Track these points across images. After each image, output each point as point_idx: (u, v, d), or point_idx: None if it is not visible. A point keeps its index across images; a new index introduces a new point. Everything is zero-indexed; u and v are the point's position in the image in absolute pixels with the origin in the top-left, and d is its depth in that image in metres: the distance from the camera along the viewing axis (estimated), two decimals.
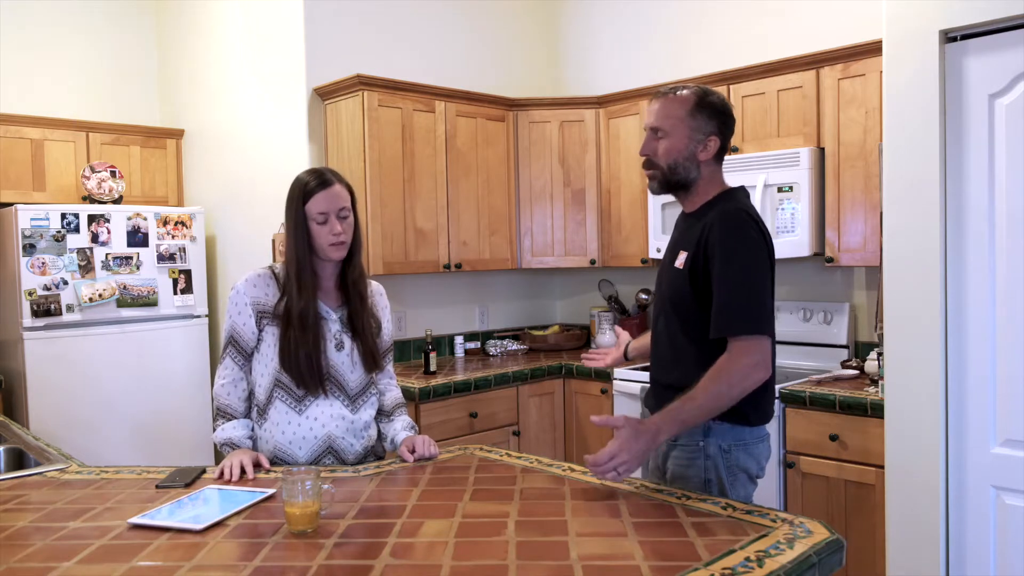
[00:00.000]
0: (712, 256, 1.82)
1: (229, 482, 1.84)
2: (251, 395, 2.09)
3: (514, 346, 4.19)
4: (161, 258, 4.02)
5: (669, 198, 2.16)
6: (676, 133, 1.91)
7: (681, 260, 1.91)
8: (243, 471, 1.88)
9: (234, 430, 2.04)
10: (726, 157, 2.01)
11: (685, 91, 1.93)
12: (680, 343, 1.93)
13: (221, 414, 2.07)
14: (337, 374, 2.04)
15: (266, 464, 1.95)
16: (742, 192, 1.98)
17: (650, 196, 3.66)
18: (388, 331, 2.19)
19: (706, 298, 1.85)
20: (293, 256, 1.98)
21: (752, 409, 1.89)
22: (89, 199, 4.01)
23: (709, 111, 1.91)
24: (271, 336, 2.02)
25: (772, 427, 2.93)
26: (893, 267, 2.41)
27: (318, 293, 2.02)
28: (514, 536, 1.45)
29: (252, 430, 2.07)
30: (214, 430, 2.08)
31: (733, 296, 1.79)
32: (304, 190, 1.97)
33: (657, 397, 2.00)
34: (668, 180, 1.95)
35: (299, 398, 2.02)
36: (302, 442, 2.02)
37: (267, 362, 2.03)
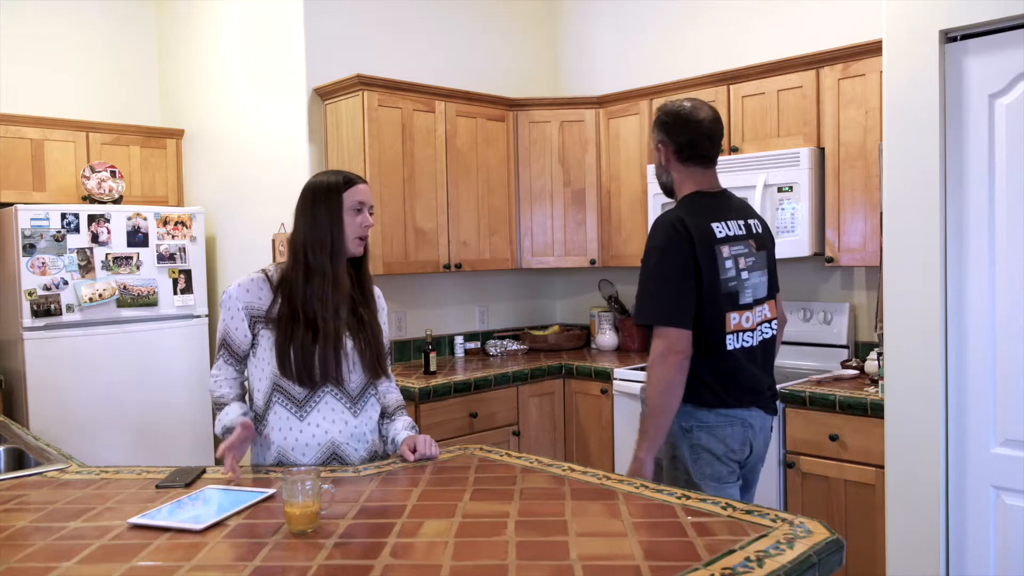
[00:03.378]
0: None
1: (230, 482, 1.84)
2: (244, 389, 2.09)
3: (514, 346, 4.19)
4: (161, 258, 4.02)
5: (668, 199, 2.40)
6: (653, 149, 2.34)
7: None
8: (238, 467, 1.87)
9: (227, 416, 2.02)
10: (724, 157, 2.12)
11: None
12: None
13: (217, 407, 2.07)
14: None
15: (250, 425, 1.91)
16: (694, 197, 2.23)
17: (650, 196, 3.69)
18: (385, 333, 2.18)
19: None
20: (327, 243, 1.97)
21: (706, 391, 2.13)
22: (89, 199, 4.01)
23: (656, 124, 2.28)
24: (266, 340, 2.01)
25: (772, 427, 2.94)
26: (893, 267, 2.41)
27: None
28: (514, 536, 1.45)
29: (247, 404, 2.07)
30: (215, 426, 2.08)
31: (644, 292, 2.14)
32: (340, 181, 2.02)
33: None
34: (663, 186, 2.34)
35: (299, 403, 2.02)
36: (305, 448, 2.02)
37: (264, 366, 2.03)
